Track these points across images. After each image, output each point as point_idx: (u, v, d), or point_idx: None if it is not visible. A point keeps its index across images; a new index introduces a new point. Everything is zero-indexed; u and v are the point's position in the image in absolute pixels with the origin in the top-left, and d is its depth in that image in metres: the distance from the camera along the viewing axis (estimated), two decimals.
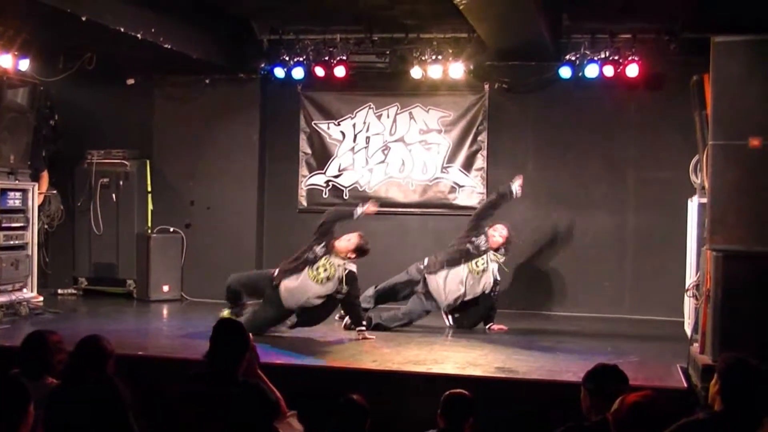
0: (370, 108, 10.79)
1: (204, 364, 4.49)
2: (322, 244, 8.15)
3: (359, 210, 8.44)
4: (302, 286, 8.09)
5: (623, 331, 9.19)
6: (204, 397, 4.25)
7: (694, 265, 7.96)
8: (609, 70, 9.57)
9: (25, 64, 9.20)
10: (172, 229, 10.94)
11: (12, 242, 9.17)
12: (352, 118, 10.83)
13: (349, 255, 8.12)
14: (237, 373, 4.39)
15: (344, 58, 10.15)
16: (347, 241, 8.15)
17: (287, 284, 8.12)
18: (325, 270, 8.07)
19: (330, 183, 10.84)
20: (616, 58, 9.50)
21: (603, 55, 9.55)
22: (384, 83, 10.62)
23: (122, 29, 8.35)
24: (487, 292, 8.72)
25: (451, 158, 10.55)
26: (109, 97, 11.04)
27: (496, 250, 8.74)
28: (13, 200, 9.22)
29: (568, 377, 6.31)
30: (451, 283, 8.64)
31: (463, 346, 7.96)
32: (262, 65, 10.67)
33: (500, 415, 6.07)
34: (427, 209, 10.57)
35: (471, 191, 10.51)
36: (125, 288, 10.89)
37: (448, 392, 5.09)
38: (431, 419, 5.14)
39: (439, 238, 9.88)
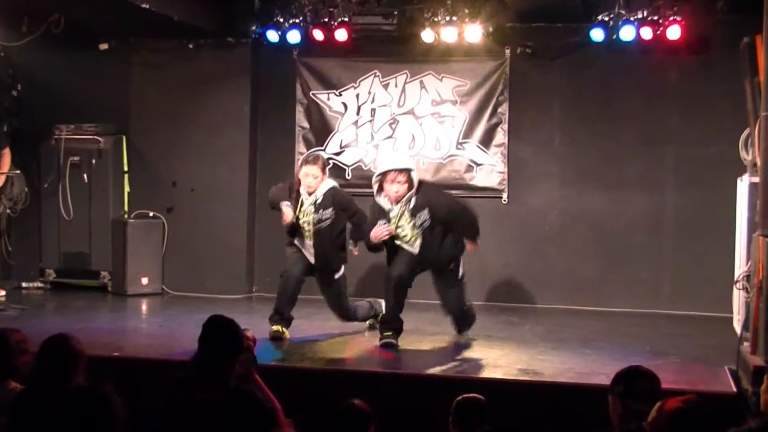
0: (375, 76, 10.75)
1: (192, 366, 4.49)
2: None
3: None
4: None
5: (663, 328, 9.16)
6: (191, 405, 4.25)
7: (744, 253, 7.93)
8: (647, 32, 9.48)
9: None
10: (151, 214, 10.93)
11: None
12: (355, 88, 10.79)
13: (311, 186, 8.07)
14: (229, 377, 4.39)
15: (346, 19, 10.09)
16: (312, 179, 8.06)
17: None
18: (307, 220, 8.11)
19: (331, 161, 10.75)
20: (656, 18, 9.43)
21: (640, 15, 9.46)
22: (391, 48, 10.57)
23: None
24: None
25: (468, 133, 10.50)
26: (79, 64, 11.00)
27: None
28: None
29: (599, 380, 6.29)
30: None
31: (481, 344, 7.97)
32: (254, 28, 10.62)
33: (523, 423, 6.07)
34: None
35: (490, 170, 10.47)
36: (99, 281, 10.88)
37: (460, 397, 5.10)
38: (443, 427, 5.14)
39: None
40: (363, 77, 10.77)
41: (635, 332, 8.84)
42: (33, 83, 10.94)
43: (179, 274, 10.88)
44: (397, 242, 7.91)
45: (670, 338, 8.56)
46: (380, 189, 7.91)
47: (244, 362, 4.57)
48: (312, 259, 8.18)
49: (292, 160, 10.92)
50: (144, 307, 10.21)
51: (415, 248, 7.87)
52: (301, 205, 8.10)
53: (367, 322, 8.51)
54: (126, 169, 11.09)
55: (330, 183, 8.25)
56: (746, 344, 6.72)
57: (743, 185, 8.20)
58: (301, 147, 10.91)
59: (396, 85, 10.71)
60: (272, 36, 10.45)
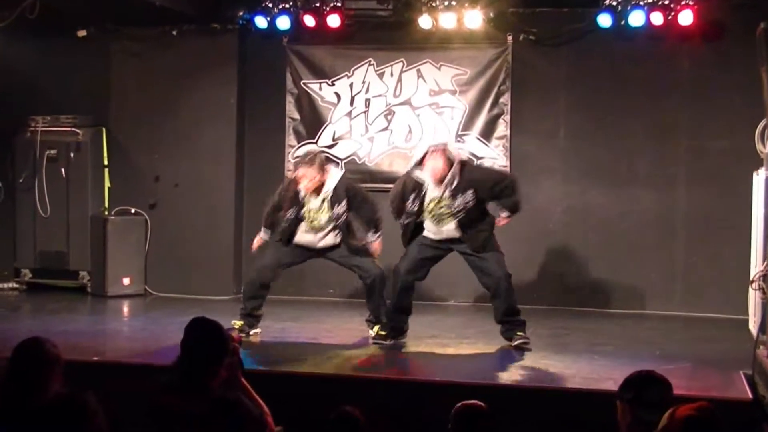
0: (370, 65, 10.74)
1: (174, 372, 4.47)
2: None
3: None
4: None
5: (674, 331, 9.16)
6: (174, 414, 4.23)
7: (760, 251, 7.92)
8: (657, 18, 9.51)
9: None
10: (133, 211, 10.94)
11: None
12: (348, 77, 10.78)
13: (309, 189, 8.17)
14: (213, 384, 4.37)
15: (339, 4, 10.13)
16: (309, 181, 8.14)
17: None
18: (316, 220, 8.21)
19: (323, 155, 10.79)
20: (667, 2, 9.44)
21: (650, 0, 9.49)
22: (387, 35, 10.58)
23: None
24: None
25: (468, 124, 10.49)
26: (56, 52, 11.01)
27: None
28: None
29: (607, 386, 6.28)
30: None
31: (481, 348, 7.96)
32: (241, 14, 10.63)
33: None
34: None
35: (491, 164, 10.43)
36: (77, 281, 10.89)
37: (460, 404, 5.08)
38: None
39: None
40: (357, 66, 10.76)
41: (645, 335, 8.84)
42: (6, 72, 10.87)
43: (163, 274, 10.87)
44: (429, 222, 7.96)
45: (682, 342, 8.56)
46: (420, 163, 7.97)
47: (230, 366, 4.54)
48: (320, 245, 8.30)
49: (281, 154, 10.91)
50: (125, 309, 10.21)
51: (448, 229, 7.92)
52: (306, 204, 8.18)
53: (374, 331, 8.35)
54: (106, 163, 11.08)
55: (338, 174, 8.37)
56: (763, 348, 6.72)
57: (759, 180, 8.18)
58: (291, 139, 10.90)
59: (392, 74, 10.70)
60: (261, 22, 10.45)
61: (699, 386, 6.49)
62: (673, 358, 7.53)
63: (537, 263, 10.32)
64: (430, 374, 7.09)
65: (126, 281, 10.74)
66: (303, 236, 8.30)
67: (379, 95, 10.73)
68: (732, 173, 9.62)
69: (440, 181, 7.83)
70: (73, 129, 10.86)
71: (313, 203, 8.18)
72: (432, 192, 7.88)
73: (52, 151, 10.83)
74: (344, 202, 8.18)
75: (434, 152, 7.86)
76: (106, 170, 11.08)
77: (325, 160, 8.45)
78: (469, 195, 7.82)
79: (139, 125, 11.07)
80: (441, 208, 7.87)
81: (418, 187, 7.93)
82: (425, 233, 8.04)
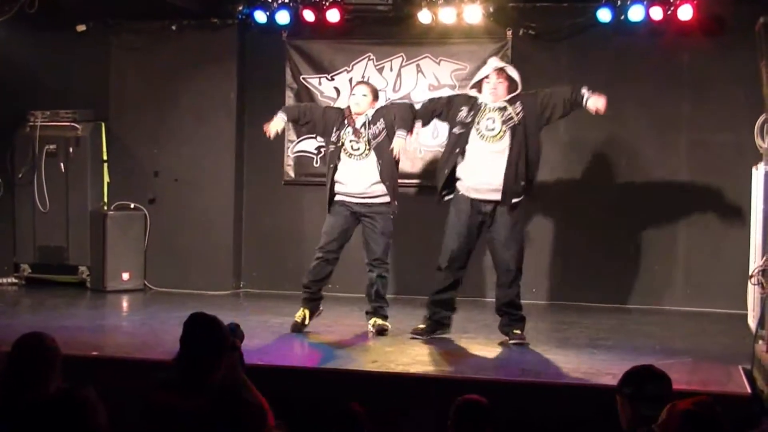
0: (369, 59, 10.74)
1: (172, 368, 4.47)
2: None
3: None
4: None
5: (674, 325, 9.17)
6: (173, 411, 4.24)
7: (759, 246, 7.91)
8: (657, 12, 9.51)
9: None
10: (132, 206, 10.94)
11: None
12: (348, 72, 10.77)
13: (358, 105, 8.32)
14: (213, 379, 4.37)
15: None
16: (361, 98, 8.31)
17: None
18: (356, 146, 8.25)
19: (322, 149, 10.79)
20: None
21: None
22: (386, 30, 10.57)
23: None
24: None
25: None
26: (55, 47, 10.99)
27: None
28: None
29: (607, 381, 6.29)
30: None
31: (481, 343, 7.95)
32: (240, 8, 10.62)
33: (525, 427, 6.06)
34: None
35: None
36: (77, 276, 10.89)
37: (460, 398, 5.09)
38: (443, 430, 5.14)
39: None
40: (356, 60, 10.75)
41: (645, 330, 8.82)
42: (6, 67, 10.87)
43: (162, 269, 10.87)
44: (478, 135, 7.90)
45: (682, 336, 8.56)
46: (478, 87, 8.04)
47: (230, 361, 4.55)
48: (359, 188, 8.21)
49: (281, 149, 10.90)
50: (125, 304, 10.21)
51: (496, 150, 7.85)
52: (344, 129, 8.26)
53: (371, 324, 8.35)
54: (105, 157, 11.07)
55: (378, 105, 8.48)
56: (761, 343, 6.72)
57: (759, 174, 8.16)
58: (291, 134, 10.87)
59: (391, 69, 10.69)
60: (260, 17, 10.46)
61: (698, 380, 6.49)
62: (672, 352, 7.54)
63: (537, 257, 10.29)
64: (430, 369, 7.09)
65: (125, 276, 10.74)
66: (344, 179, 8.24)
67: (379, 90, 10.70)
68: (733, 167, 9.61)
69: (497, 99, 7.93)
70: (73, 124, 10.86)
71: (349, 130, 8.23)
72: (486, 103, 7.94)
73: (52, 146, 10.82)
74: (381, 121, 8.24)
75: (497, 75, 7.91)
76: (105, 165, 11.07)
77: (378, 90, 8.64)
78: (518, 106, 7.87)
79: (139, 120, 11.06)
80: (490, 118, 7.87)
81: (472, 101, 8.00)
82: (461, 183, 7.97)
